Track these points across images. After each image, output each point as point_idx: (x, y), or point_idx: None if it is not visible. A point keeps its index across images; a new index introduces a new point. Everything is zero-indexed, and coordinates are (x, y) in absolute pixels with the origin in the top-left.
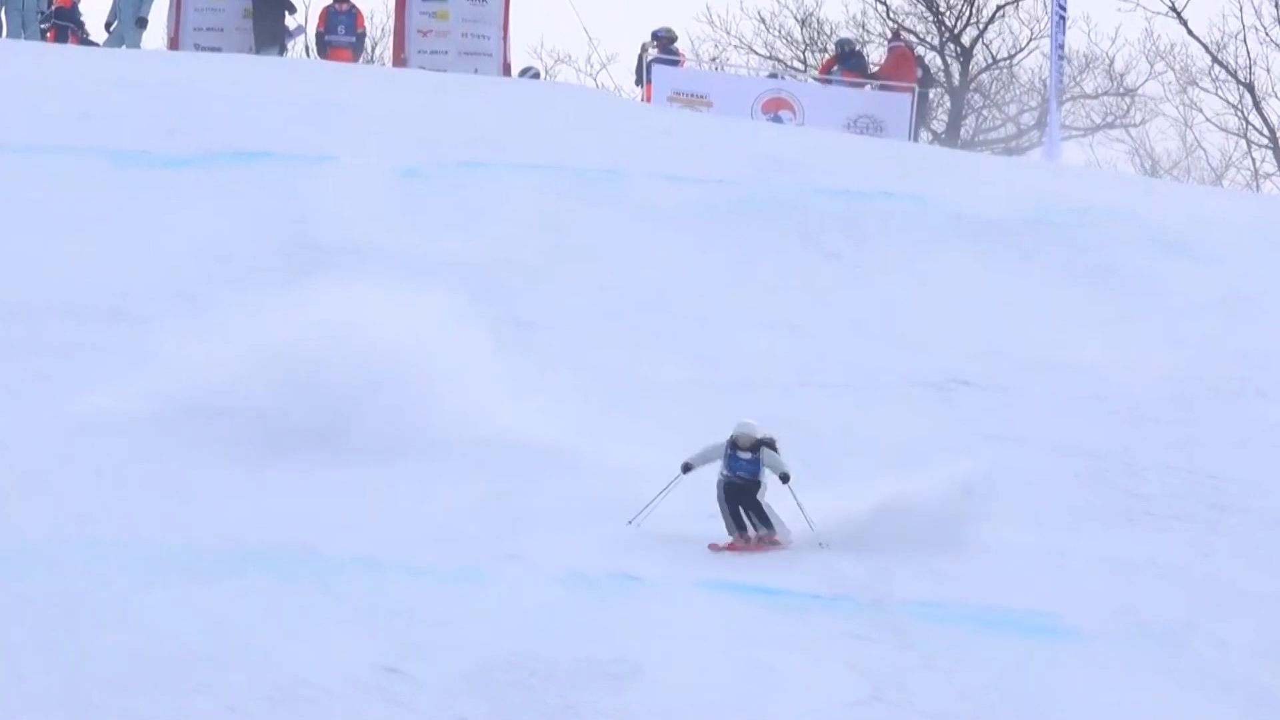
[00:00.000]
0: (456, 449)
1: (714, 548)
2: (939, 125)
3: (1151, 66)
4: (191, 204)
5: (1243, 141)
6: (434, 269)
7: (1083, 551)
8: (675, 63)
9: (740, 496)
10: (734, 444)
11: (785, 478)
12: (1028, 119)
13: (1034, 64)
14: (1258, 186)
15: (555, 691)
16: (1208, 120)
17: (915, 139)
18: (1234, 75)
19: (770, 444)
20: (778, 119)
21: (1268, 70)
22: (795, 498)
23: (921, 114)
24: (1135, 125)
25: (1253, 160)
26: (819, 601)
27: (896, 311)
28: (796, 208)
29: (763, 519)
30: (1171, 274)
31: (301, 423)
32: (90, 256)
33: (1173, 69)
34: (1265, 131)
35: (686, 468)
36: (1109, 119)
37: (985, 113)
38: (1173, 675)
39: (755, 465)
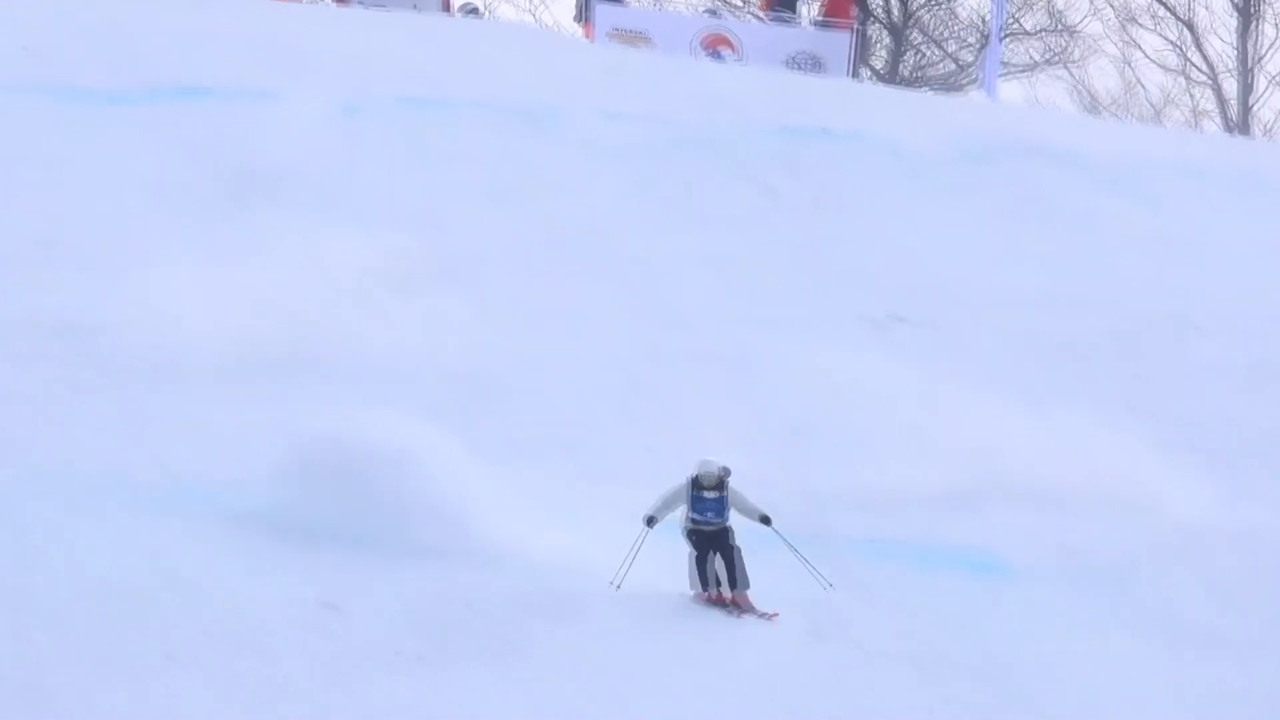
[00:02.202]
0: (396, 379)
1: (700, 599)
2: (879, 62)
3: (1091, 4)
4: (134, 140)
5: (1182, 79)
6: (375, 205)
7: (1020, 488)
8: (616, 0)
9: (712, 544)
10: (696, 483)
11: (766, 520)
12: (967, 56)
13: (974, 1)
14: (1197, 124)
15: (495, 628)
16: (1147, 58)
17: (855, 76)
18: (1174, 13)
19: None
20: (718, 56)
21: (1208, 7)
22: (789, 544)
23: (861, 51)
24: (1075, 63)
25: (1192, 98)
26: (758, 539)
27: (835, 248)
28: (736, 144)
29: (738, 575)
30: (1110, 211)
31: (252, 353)
32: (32, 192)
33: (1112, 6)
34: (1205, 69)
35: (651, 521)
36: (1049, 57)
37: (925, 50)
38: (1114, 613)
39: (722, 505)
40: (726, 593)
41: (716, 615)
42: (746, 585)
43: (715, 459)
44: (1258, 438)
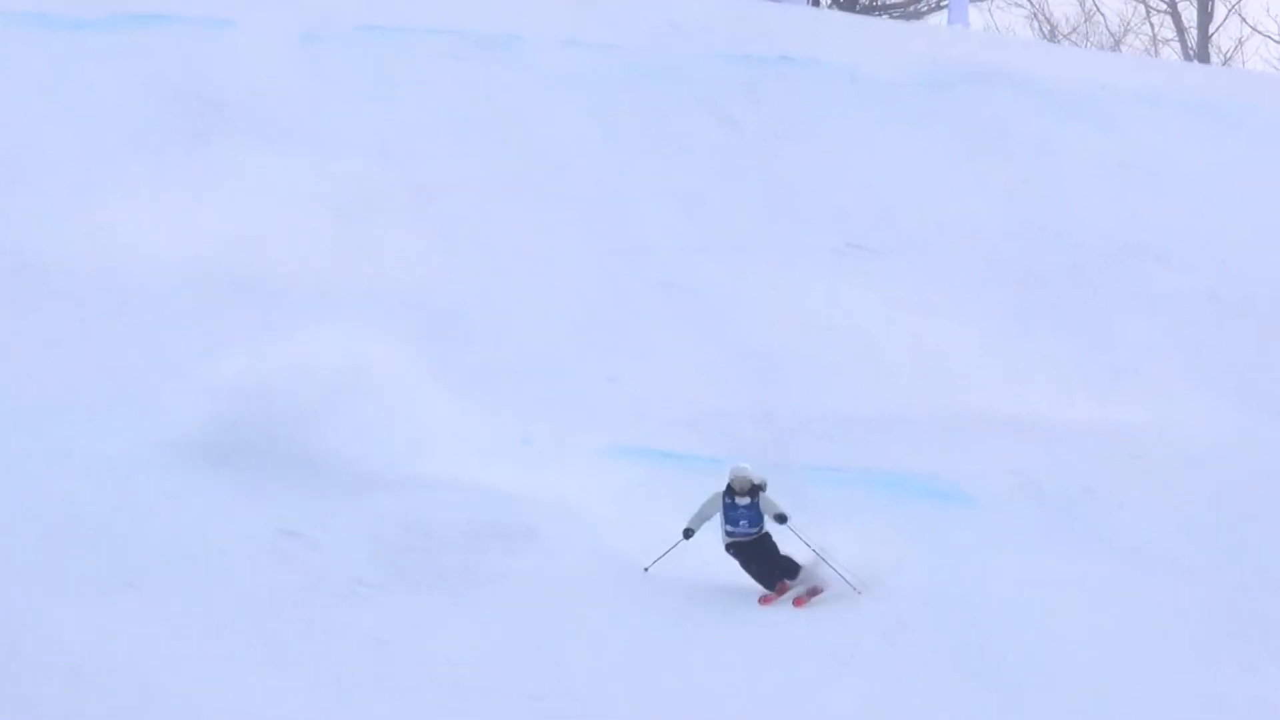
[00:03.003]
0: (356, 307)
1: (765, 601)
2: None
3: None
4: (92, 68)
5: (1141, 6)
6: (334, 134)
7: (979, 416)
8: None
9: (755, 555)
10: (730, 491)
11: (782, 518)
12: None
13: None
14: (1156, 52)
15: (452, 555)
16: None
17: (815, 3)
18: None
19: (763, 487)
20: None
21: None
22: (808, 544)
23: None
24: None
25: (1151, 26)
26: (720, 466)
27: (795, 177)
28: (695, 73)
29: (789, 569)
30: (1070, 140)
31: (210, 280)
32: None
33: None
34: None
35: (688, 533)
36: None
37: None
38: (1070, 539)
39: (756, 513)
40: (795, 586)
41: (674, 538)
42: (793, 575)
43: (748, 466)
44: (1215, 366)
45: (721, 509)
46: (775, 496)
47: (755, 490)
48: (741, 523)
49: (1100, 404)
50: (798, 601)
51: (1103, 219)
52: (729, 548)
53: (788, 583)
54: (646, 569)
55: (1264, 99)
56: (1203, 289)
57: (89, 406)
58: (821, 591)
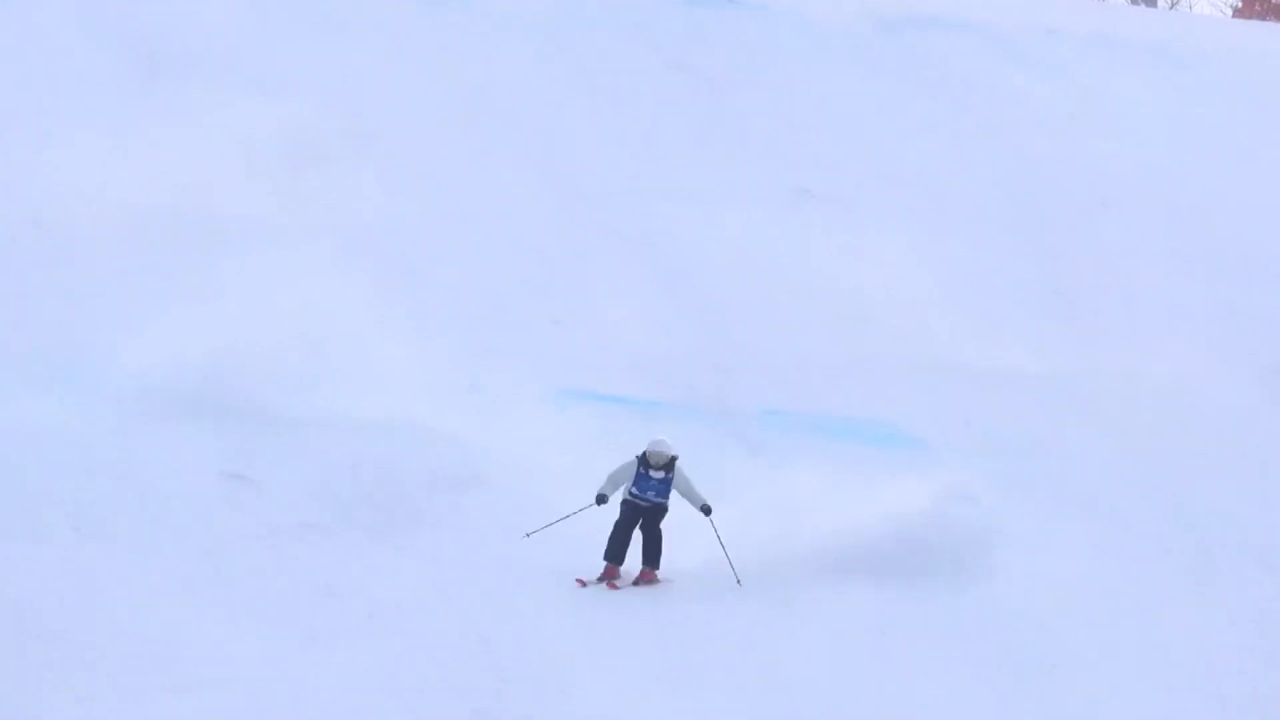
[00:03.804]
0: (306, 249)
1: (581, 582)
2: None
3: None
4: (42, 16)
5: None
6: (283, 76)
7: (926, 362)
8: None
9: (642, 519)
10: (645, 462)
11: (707, 510)
12: None
13: None
14: None
15: (401, 498)
16: None
17: None
18: None
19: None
20: None
21: None
22: (717, 534)
23: None
24: None
25: None
26: (667, 409)
27: (744, 122)
28: (643, 17)
29: (652, 553)
30: (1021, 85)
31: (160, 225)
32: None
33: None
34: None
35: (602, 499)
36: None
37: None
38: (1015, 484)
39: (666, 486)
40: (630, 569)
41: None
42: (655, 564)
43: (667, 440)
44: (1170, 314)
45: (633, 477)
46: (693, 478)
47: (670, 465)
48: (650, 492)
49: (1054, 353)
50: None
51: (1054, 165)
52: (624, 502)
53: (652, 573)
54: (529, 535)
55: (1211, 43)
56: (1156, 236)
57: (36, 354)
58: (656, 581)
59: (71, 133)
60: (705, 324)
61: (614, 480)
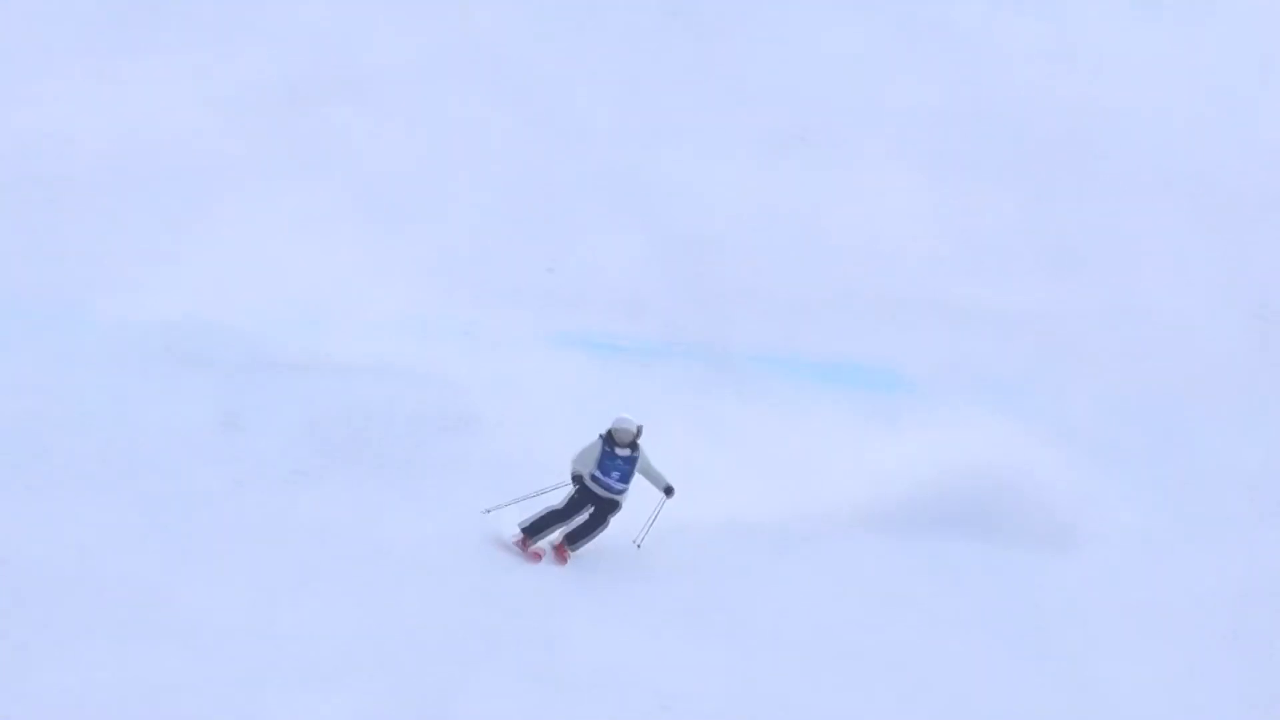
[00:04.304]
0: (296, 195)
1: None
2: None
3: None
4: None
5: None
6: (273, 23)
7: (922, 302)
8: None
9: (591, 504)
10: (610, 440)
11: (669, 491)
12: None
13: None
14: None
15: (392, 441)
16: None
17: None
18: None
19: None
20: None
21: None
22: (655, 514)
23: None
24: None
25: None
26: (662, 354)
27: (735, 65)
28: None
29: (583, 535)
30: (1013, 26)
31: (148, 173)
32: None
33: None
34: None
35: (577, 478)
36: None
37: None
38: (1012, 424)
39: (631, 466)
40: (555, 540)
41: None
42: (575, 546)
43: (631, 417)
44: (1159, 252)
45: (598, 459)
46: (653, 457)
47: (634, 444)
48: (614, 474)
49: (1043, 291)
50: (557, 551)
51: (1044, 105)
52: (584, 485)
53: (568, 550)
54: (488, 511)
55: None
56: (1146, 174)
57: (22, 304)
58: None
59: (57, 78)
60: (695, 266)
61: (582, 460)
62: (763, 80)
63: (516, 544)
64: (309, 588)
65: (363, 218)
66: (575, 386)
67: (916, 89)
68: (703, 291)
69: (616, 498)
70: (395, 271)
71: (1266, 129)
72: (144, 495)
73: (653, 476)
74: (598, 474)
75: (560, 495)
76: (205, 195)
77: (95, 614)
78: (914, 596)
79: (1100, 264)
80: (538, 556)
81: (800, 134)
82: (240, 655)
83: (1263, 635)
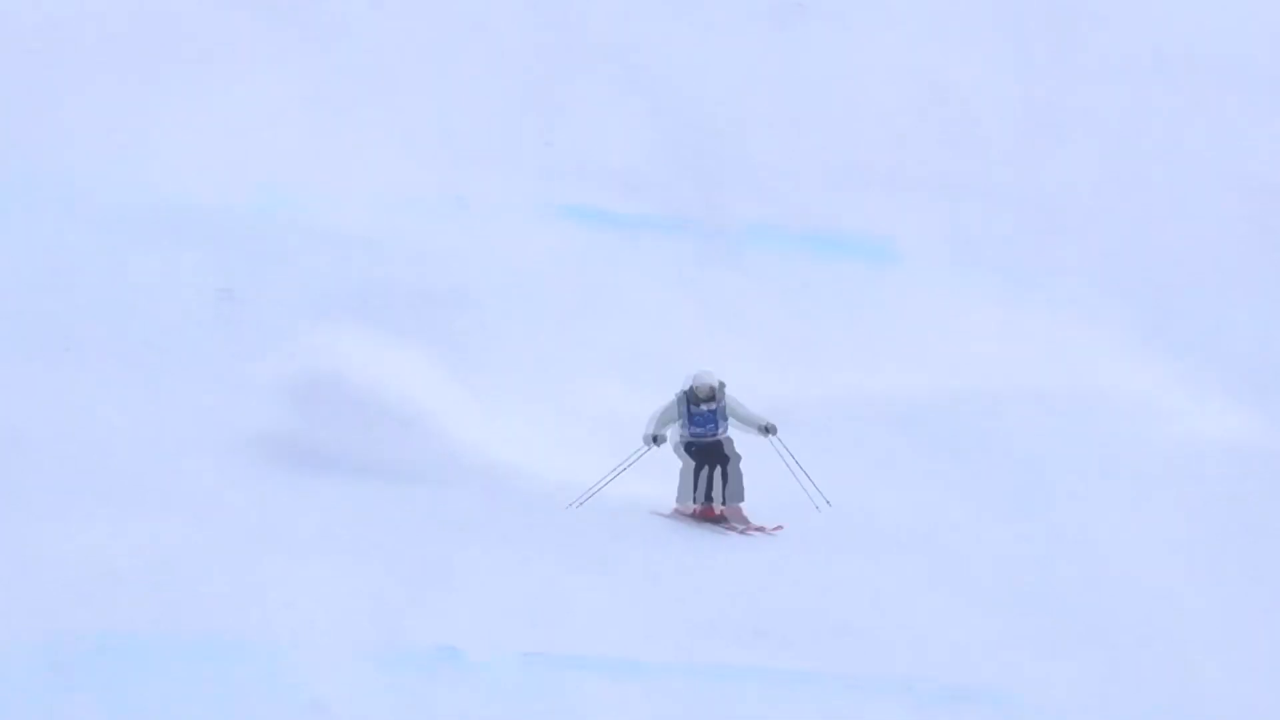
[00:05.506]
0: (296, 78)
1: (680, 513)
2: None
3: None
4: None
5: None
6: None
7: (909, 174)
8: None
9: (709, 457)
10: (691, 396)
11: (769, 429)
12: None
13: None
14: None
15: (391, 315)
16: None
17: None
18: None
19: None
20: None
21: None
22: (789, 452)
23: None
24: None
25: None
26: (656, 226)
27: None
28: None
29: (729, 490)
30: None
31: None
32: None
33: None
34: None
35: (656, 439)
36: None
37: None
38: (1004, 297)
39: (718, 417)
40: (718, 506)
41: (612, 299)
42: (740, 498)
43: (711, 370)
44: (1154, 133)
45: (684, 415)
46: (745, 400)
47: (715, 393)
48: (707, 425)
49: (1037, 166)
50: (723, 518)
51: None
52: (687, 447)
53: (719, 508)
54: (578, 504)
55: None
56: (1145, 49)
57: (17, 177)
58: (764, 531)
59: None
60: (693, 139)
61: (663, 420)
62: None
63: (685, 513)
64: (313, 455)
65: (359, 88)
66: (572, 258)
67: None
68: (699, 162)
69: (719, 438)
70: (391, 143)
71: (1264, 4)
72: (143, 365)
73: (747, 419)
74: (693, 429)
75: (663, 456)
76: (200, 70)
77: (93, 485)
78: (916, 473)
79: (1093, 140)
80: (712, 515)
81: (797, 4)
82: (242, 526)
83: (1264, 497)
